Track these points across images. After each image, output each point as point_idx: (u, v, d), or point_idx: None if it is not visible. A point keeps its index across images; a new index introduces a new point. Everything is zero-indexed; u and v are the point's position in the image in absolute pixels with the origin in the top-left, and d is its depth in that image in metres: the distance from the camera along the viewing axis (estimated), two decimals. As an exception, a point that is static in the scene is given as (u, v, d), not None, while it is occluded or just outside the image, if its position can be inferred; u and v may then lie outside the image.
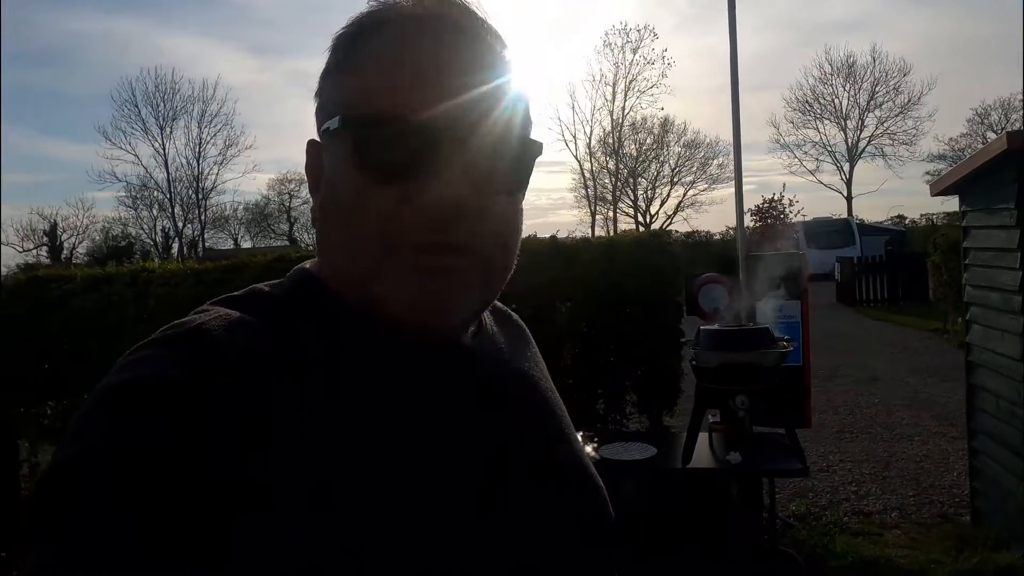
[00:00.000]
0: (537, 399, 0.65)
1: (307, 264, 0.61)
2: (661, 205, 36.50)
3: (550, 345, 3.79)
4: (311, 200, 0.59)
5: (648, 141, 35.91)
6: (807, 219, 25.77)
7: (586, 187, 35.96)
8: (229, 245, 38.43)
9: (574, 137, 37.18)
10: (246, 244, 39.26)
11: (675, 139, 35.91)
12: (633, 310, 3.77)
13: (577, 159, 36.34)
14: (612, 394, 3.83)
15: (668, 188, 36.41)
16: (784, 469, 2.53)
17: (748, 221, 27.69)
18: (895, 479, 4.80)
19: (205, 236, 35.51)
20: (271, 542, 0.43)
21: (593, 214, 35.78)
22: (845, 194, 35.19)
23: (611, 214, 36.10)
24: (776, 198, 26.14)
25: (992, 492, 3.75)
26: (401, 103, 0.50)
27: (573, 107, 53.96)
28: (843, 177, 35.43)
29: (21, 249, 33.94)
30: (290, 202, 39.37)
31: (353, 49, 0.55)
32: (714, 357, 2.48)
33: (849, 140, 35.12)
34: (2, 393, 3.93)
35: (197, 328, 0.50)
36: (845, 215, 30.20)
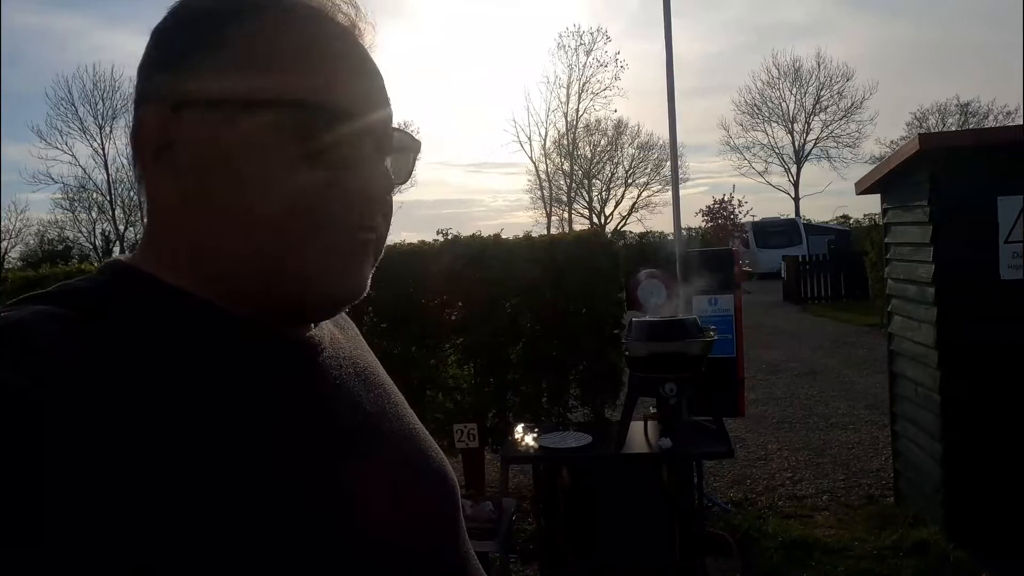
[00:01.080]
0: (377, 384, 0.66)
1: (121, 258, 0.57)
2: (616, 206, 37.04)
3: (496, 341, 3.89)
4: (146, 176, 0.55)
5: (602, 143, 36.43)
6: (756, 219, 26.51)
7: (541, 188, 36.26)
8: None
9: (529, 139, 37.51)
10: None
11: (629, 141, 36.47)
12: (575, 306, 3.89)
13: (532, 161, 36.63)
14: (555, 388, 3.94)
15: (622, 189, 36.98)
16: (710, 452, 2.67)
17: (700, 222, 28.26)
18: (828, 465, 5.03)
19: (150, 239, 34.50)
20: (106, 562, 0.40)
21: (548, 215, 36.09)
22: (793, 195, 36.24)
23: (566, 215, 36.47)
24: (726, 199, 26.86)
25: (912, 474, 3.98)
26: (337, 95, 0.53)
27: (528, 109, 54.24)
28: (791, 178, 36.49)
29: (-53, 254, 32.62)
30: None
31: (248, 24, 0.54)
32: (644, 347, 2.61)
33: (796, 143, 36.22)
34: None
35: (15, 325, 0.45)
36: (793, 215, 31.09)
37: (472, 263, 3.84)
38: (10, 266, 31.29)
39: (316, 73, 0.53)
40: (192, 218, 0.54)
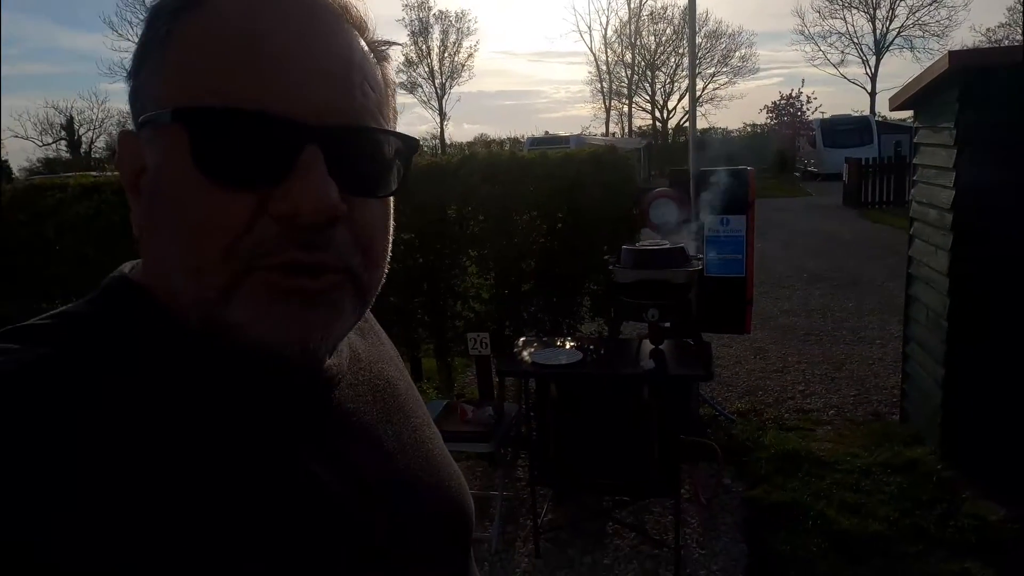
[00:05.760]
0: (397, 407, 0.61)
1: (127, 268, 0.52)
2: (679, 100, 35.55)
3: (509, 256, 4.04)
4: (130, 204, 0.50)
5: (667, 32, 34.56)
6: (825, 116, 25.13)
7: (601, 81, 34.99)
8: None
9: (589, 28, 35.93)
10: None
11: (696, 29, 34.45)
12: (587, 221, 3.97)
13: (592, 51, 35.19)
14: (567, 301, 4.10)
15: (687, 81, 35.31)
16: (689, 375, 2.81)
17: (764, 118, 26.84)
18: (843, 380, 5.11)
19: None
20: None
21: (608, 109, 35.02)
22: (869, 89, 33.97)
23: (626, 109, 35.30)
24: (794, 95, 25.44)
25: (916, 394, 4.04)
26: (254, 93, 0.43)
27: (588, -5, 51.23)
28: (868, 71, 34.08)
29: (40, 143, 34.25)
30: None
31: (182, 20, 0.46)
32: (630, 274, 2.71)
33: (877, 31, 33.51)
34: (4, 289, 4.29)
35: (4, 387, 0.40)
36: (867, 112, 29.30)
37: (488, 179, 3.93)
38: (97, 155, 32.70)
39: (244, 74, 0.43)
40: (152, 254, 0.49)
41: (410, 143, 0.50)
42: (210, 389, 0.46)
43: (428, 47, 36.59)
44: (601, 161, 3.87)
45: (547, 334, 4.07)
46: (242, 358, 0.46)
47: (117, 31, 32.26)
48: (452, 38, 35.98)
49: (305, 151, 0.44)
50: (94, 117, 35.71)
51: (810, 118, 24.85)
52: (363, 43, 0.49)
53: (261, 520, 0.44)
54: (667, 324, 2.99)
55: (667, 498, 3.03)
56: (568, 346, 3.15)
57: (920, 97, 3.79)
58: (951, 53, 3.26)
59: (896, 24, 33.39)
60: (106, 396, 0.42)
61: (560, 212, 3.96)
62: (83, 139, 35.21)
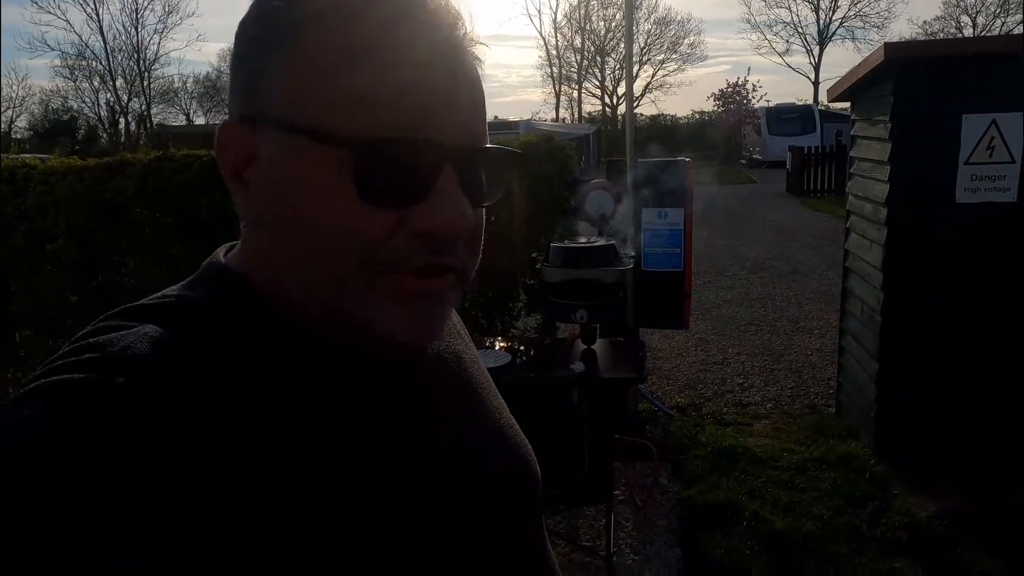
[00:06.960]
0: (467, 379, 0.64)
1: (221, 256, 0.55)
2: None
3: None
4: (231, 190, 0.52)
5: (617, 17, 34.55)
6: (770, 104, 25.56)
7: (551, 66, 34.83)
8: (181, 121, 36.98)
9: (539, 11, 35.68)
10: (199, 120, 37.68)
11: (645, 16, 34.59)
12: (522, 214, 3.82)
13: (542, 35, 34.99)
14: (500, 297, 3.95)
15: (637, 68, 35.48)
16: (620, 378, 2.70)
17: (711, 106, 27.20)
18: (782, 372, 5.11)
19: (153, 111, 33.92)
20: None
21: (557, 94, 34.91)
22: (813, 79, 34.70)
23: (576, 95, 35.25)
24: (740, 82, 25.78)
25: (851, 388, 4.05)
26: (400, 118, 0.46)
27: (539, -24, 51.05)
28: (812, 60, 34.80)
29: (-45, 123, 32.33)
30: (245, 75, 37.45)
31: (310, 33, 0.47)
32: (558, 273, 2.58)
33: (821, 21, 34.23)
34: None
35: (131, 356, 0.43)
36: (810, 101, 29.93)
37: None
38: (18, 135, 31.06)
39: (392, 102, 0.46)
40: (267, 247, 0.51)
41: (519, 159, 0.55)
42: (318, 372, 0.50)
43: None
44: (537, 152, 3.71)
45: (482, 332, 3.92)
46: (346, 345, 0.50)
47: (37, 3, 30.52)
48: (400, 19, 35.21)
49: (443, 173, 0.48)
50: (14, 95, 33.81)
51: (756, 106, 25.25)
52: (470, 56, 0.51)
53: (378, 488, 0.48)
54: (596, 325, 2.86)
55: (599, 505, 2.93)
56: (497, 347, 3.01)
57: (857, 89, 3.75)
58: (887, 45, 3.21)
59: (839, 15, 34.22)
60: (229, 379, 0.46)
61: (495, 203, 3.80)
62: (2, 118, 33.40)
